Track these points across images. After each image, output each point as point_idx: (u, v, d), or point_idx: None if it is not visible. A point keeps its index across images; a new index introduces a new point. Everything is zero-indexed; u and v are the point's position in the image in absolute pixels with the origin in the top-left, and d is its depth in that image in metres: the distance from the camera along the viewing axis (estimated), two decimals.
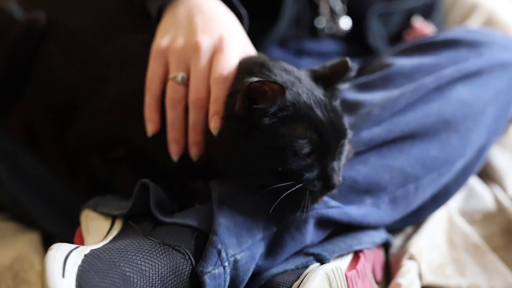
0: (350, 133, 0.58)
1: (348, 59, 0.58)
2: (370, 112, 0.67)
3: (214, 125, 0.55)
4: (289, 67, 0.60)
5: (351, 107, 0.68)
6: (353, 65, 0.59)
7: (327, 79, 0.59)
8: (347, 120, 0.59)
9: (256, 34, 0.76)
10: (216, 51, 0.59)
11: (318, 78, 0.59)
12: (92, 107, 0.66)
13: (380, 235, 0.67)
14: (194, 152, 0.60)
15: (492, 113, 0.73)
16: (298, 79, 0.58)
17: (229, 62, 0.58)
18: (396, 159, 0.67)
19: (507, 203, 0.78)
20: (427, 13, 0.92)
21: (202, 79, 0.59)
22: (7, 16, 0.71)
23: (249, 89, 0.51)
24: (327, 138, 0.54)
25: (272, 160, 0.53)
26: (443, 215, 0.75)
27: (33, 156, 0.74)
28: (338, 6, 0.85)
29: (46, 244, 0.74)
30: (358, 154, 0.65)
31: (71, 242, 0.59)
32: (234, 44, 0.58)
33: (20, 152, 0.74)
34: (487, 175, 0.86)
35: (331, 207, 0.61)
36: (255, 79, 0.51)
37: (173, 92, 0.59)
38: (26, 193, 0.75)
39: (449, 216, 0.76)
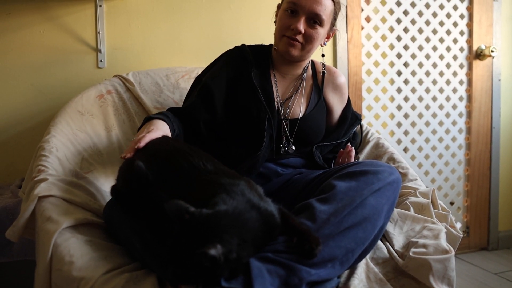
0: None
1: None
2: (328, 219, 1.01)
3: None
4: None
5: (317, 213, 1.02)
6: None
7: None
8: None
9: (250, 156, 1.21)
10: None
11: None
12: None
13: (335, 281, 1.02)
14: None
15: (386, 208, 1.10)
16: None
17: None
18: (342, 242, 1.00)
19: (393, 253, 1.11)
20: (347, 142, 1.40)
21: None
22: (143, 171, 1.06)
23: None
24: None
25: None
26: (364, 262, 1.07)
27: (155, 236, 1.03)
28: (287, 138, 1.32)
29: (160, 284, 0.96)
30: (322, 240, 0.98)
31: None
32: None
33: (146, 231, 1.04)
34: (384, 237, 1.19)
35: (313, 274, 0.95)
36: None
37: None
38: (150, 257, 1.01)
39: (367, 262, 1.08)
